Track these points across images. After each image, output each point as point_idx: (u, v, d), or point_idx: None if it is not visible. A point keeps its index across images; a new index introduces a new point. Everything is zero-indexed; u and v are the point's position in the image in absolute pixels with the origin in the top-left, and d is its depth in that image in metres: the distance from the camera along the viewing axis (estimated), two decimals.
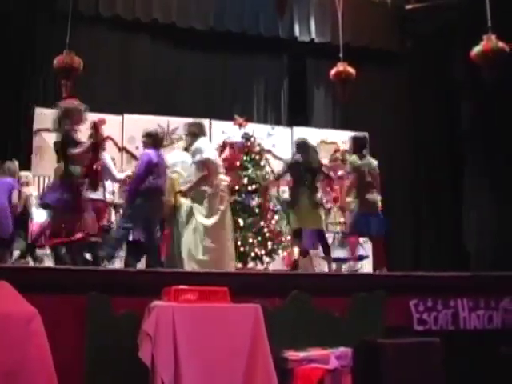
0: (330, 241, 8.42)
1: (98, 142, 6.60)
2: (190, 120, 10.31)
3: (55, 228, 6.47)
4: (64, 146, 6.41)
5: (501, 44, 7.49)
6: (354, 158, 7.52)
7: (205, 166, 6.92)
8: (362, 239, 8.90)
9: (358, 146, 7.65)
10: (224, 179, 7.19)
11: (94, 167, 6.59)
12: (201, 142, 7.11)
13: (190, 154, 7.18)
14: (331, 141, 11.52)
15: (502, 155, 10.98)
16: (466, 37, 8.63)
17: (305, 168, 7.59)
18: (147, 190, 6.63)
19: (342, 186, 8.80)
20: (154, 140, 6.99)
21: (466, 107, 12.08)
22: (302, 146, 7.82)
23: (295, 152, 7.99)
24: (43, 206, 6.72)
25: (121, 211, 7.67)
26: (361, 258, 8.88)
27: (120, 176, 7.78)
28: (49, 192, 6.67)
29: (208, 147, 7.24)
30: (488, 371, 5.70)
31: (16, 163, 8.38)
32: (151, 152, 6.84)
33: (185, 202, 7.03)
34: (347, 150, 7.61)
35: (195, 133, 7.22)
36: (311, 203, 7.49)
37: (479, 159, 11.69)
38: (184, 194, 7.03)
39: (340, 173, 8.90)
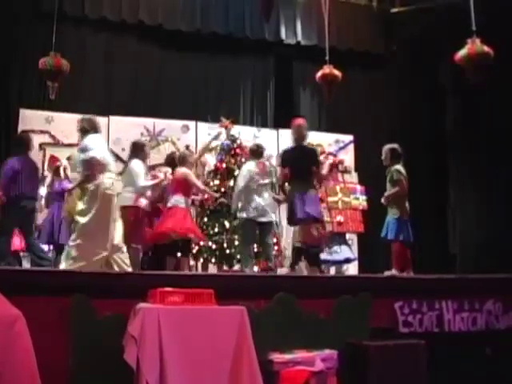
0: None
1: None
2: (177, 122, 10.30)
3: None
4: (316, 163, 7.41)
5: (486, 48, 7.53)
6: (399, 167, 7.48)
7: (89, 164, 6.42)
8: (349, 241, 9.00)
9: (400, 156, 7.64)
10: (110, 177, 6.55)
11: None
12: (89, 139, 6.56)
13: (79, 151, 6.65)
14: (317, 143, 11.54)
15: (487, 156, 11.04)
16: (453, 39, 8.65)
17: None
18: (13, 197, 7.04)
19: (326, 187, 8.87)
20: (20, 147, 7.41)
21: (452, 109, 12.14)
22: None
23: None
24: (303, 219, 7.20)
25: None
26: (347, 260, 8.88)
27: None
28: (308, 205, 7.10)
29: (97, 145, 6.57)
30: (472, 373, 5.73)
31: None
32: (13, 160, 7.20)
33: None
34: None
35: (85, 129, 6.68)
36: None
37: (465, 160, 11.75)
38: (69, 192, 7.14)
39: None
